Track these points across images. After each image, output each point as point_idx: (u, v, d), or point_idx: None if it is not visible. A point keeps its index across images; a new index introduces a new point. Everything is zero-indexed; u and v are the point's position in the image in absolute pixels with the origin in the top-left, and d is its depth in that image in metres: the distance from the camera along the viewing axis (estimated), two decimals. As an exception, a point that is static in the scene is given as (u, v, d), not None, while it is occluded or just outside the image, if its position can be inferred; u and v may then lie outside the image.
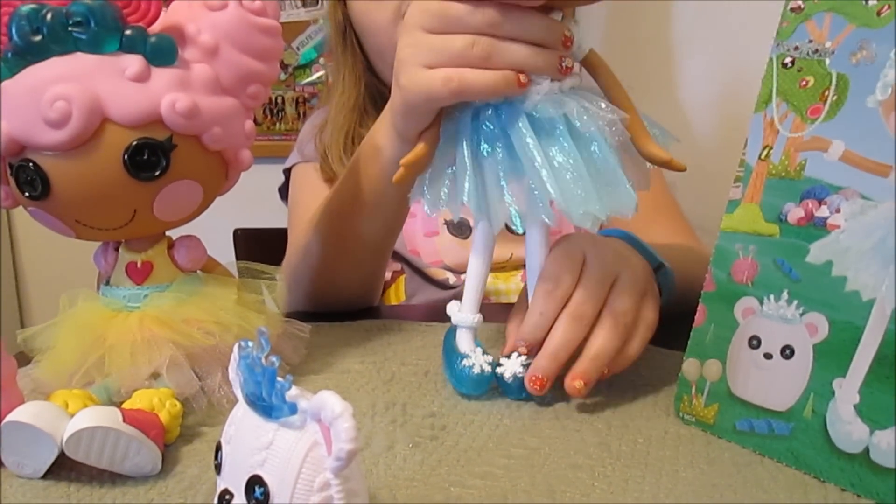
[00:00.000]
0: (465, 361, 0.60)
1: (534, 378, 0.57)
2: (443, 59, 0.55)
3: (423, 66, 0.55)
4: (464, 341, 0.62)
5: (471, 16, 0.53)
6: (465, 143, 0.57)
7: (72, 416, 0.48)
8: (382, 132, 0.70)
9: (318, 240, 0.82)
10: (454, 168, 0.57)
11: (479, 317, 0.62)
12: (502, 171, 0.55)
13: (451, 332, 0.63)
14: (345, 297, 0.84)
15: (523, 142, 0.54)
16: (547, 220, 0.53)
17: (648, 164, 0.58)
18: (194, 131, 0.54)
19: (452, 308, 0.63)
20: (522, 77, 0.54)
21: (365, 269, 0.83)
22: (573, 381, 0.57)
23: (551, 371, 0.58)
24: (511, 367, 0.59)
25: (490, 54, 0.53)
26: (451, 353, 0.62)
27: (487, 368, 0.59)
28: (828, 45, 0.49)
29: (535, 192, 0.54)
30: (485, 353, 0.61)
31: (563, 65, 0.55)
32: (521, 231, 0.57)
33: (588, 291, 0.59)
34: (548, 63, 0.54)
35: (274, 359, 0.36)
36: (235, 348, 0.39)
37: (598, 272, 0.60)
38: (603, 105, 0.55)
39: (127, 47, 0.52)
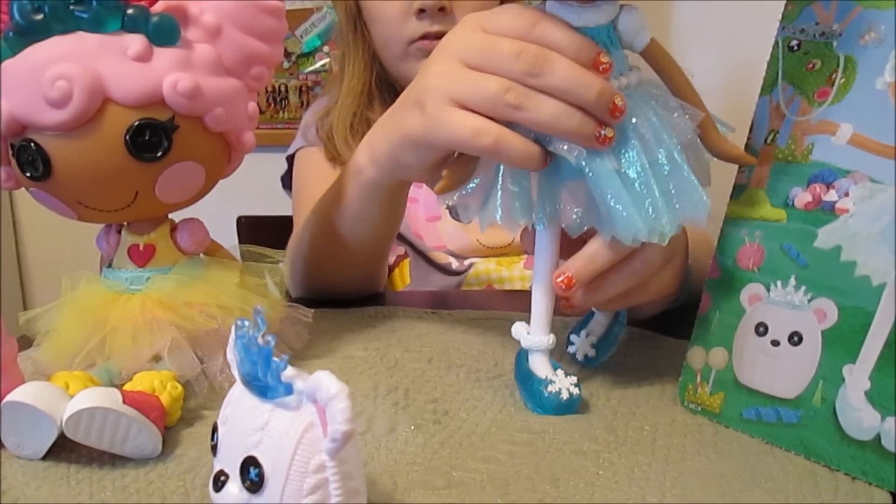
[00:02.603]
0: (550, 388, 0.54)
1: (562, 275, 0.52)
2: (474, 99, 0.50)
3: (453, 100, 0.51)
4: (540, 365, 0.55)
5: (515, 61, 0.48)
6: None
7: (72, 397, 0.47)
8: (366, 152, 0.67)
9: (308, 239, 0.80)
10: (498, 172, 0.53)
11: (552, 337, 0.55)
12: (565, 170, 0.51)
13: (523, 355, 0.57)
14: (341, 290, 0.82)
15: (593, 159, 0.49)
16: (628, 240, 0.49)
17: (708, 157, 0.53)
18: (196, 112, 0.52)
19: (520, 331, 0.56)
20: (549, 158, 0.50)
21: (357, 269, 0.81)
22: (556, 277, 0.52)
23: (582, 274, 0.52)
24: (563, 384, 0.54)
25: (521, 105, 0.48)
26: (528, 378, 0.56)
27: (575, 391, 0.54)
28: (835, 27, 0.47)
29: (602, 204, 0.49)
30: (567, 374, 0.54)
31: (602, 134, 0.48)
32: (574, 235, 0.52)
33: (657, 260, 0.55)
34: (581, 128, 0.48)
35: (270, 338, 0.34)
36: (233, 328, 0.37)
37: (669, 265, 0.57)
38: (672, 104, 0.51)
39: (129, 27, 0.50)
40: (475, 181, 0.55)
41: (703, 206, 0.49)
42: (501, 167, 0.53)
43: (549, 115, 0.48)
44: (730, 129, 0.54)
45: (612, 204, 0.48)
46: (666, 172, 0.49)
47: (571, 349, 0.62)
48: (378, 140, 0.64)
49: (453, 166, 0.56)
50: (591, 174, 0.49)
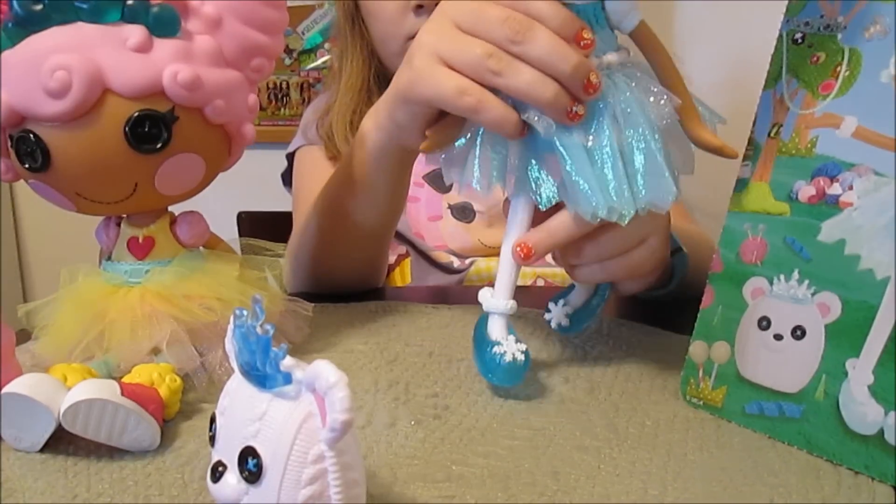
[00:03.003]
0: (496, 349, 0.53)
1: (521, 244, 0.53)
2: (459, 60, 0.51)
3: (440, 58, 0.52)
4: (496, 328, 0.55)
5: (501, 27, 0.49)
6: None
7: (70, 389, 0.46)
8: (371, 118, 0.67)
9: (315, 222, 0.79)
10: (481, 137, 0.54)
11: (512, 303, 0.55)
12: (542, 141, 0.51)
13: (483, 320, 0.57)
14: (344, 280, 0.81)
15: (562, 131, 0.50)
16: (588, 216, 0.49)
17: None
18: (196, 103, 0.51)
19: (484, 294, 0.56)
20: (525, 129, 0.51)
21: (362, 254, 0.80)
22: (515, 244, 0.54)
23: (541, 246, 0.53)
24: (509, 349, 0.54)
25: (501, 71, 0.49)
26: (481, 340, 0.56)
27: (521, 357, 0.53)
28: (840, 19, 0.46)
29: (566, 177, 0.50)
30: (518, 340, 0.54)
31: (574, 110, 0.49)
32: (543, 208, 0.53)
33: (618, 244, 0.56)
34: (554, 100, 0.49)
35: (268, 327, 0.33)
36: (231, 318, 0.36)
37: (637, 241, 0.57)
38: (653, 88, 0.51)
39: (129, 17, 0.49)
40: (461, 141, 0.55)
41: (669, 193, 0.50)
42: (480, 133, 0.53)
43: (526, 83, 0.49)
44: (721, 120, 0.54)
45: (574, 178, 0.49)
46: (636, 155, 0.50)
47: (548, 316, 0.63)
48: (379, 105, 0.65)
49: (437, 127, 0.56)
50: (560, 146, 0.50)
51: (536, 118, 0.50)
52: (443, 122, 0.56)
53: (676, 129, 0.52)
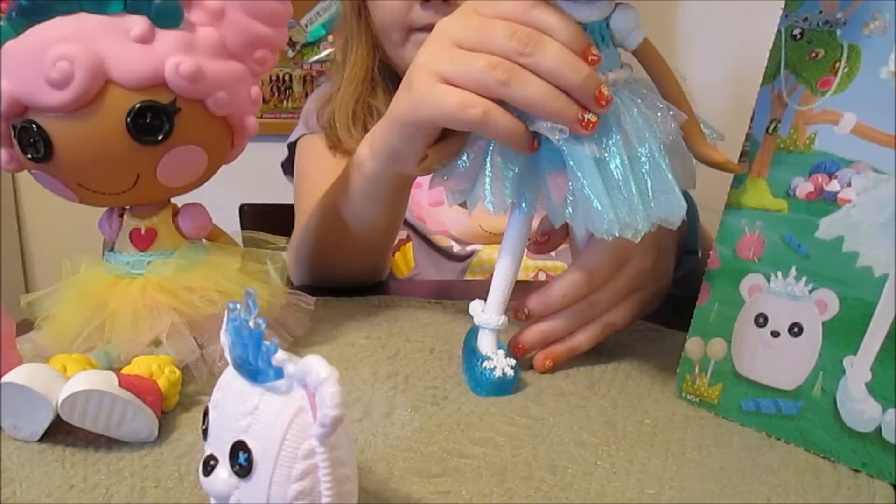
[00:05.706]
0: (486, 364, 0.52)
1: (520, 346, 0.56)
2: (462, 74, 0.48)
3: (440, 77, 0.49)
4: (486, 343, 0.54)
5: (508, 40, 0.47)
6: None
7: (68, 379, 0.44)
8: (367, 144, 0.64)
9: (313, 227, 0.77)
10: (489, 151, 0.52)
11: (503, 318, 0.54)
12: (546, 160, 0.49)
13: (473, 332, 0.56)
14: (343, 280, 0.78)
15: (574, 148, 0.48)
16: (600, 233, 0.47)
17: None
18: (199, 95, 0.49)
19: (475, 308, 0.55)
20: (536, 143, 0.49)
21: (360, 261, 0.78)
22: (545, 360, 0.56)
23: (536, 346, 0.57)
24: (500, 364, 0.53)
25: (508, 81, 0.47)
26: (470, 354, 0.55)
27: (510, 372, 0.52)
28: (839, 15, 0.44)
29: (579, 194, 0.48)
30: (508, 355, 0.53)
31: (586, 118, 0.47)
32: (556, 225, 0.51)
33: (610, 297, 0.56)
34: (564, 110, 0.46)
35: (261, 321, 0.31)
36: (225, 311, 0.34)
37: (629, 284, 0.57)
38: (659, 105, 0.49)
39: (132, 8, 0.47)
40: (463, 162, 0.53)
41: (679, 208, 0.47)
42: (490, 151, 0.51)
43: (536, 93, 0.47)
44: (719, 136, 0.52)
45: (587, 194, 0.47)
46: (645, 170, 0.48)
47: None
48: (376, 130, 0.62)
49: (437, 146, 0.54)
50: (570, 161, 0.48)
51: (548, 126, 0.47)
52: (443, 142, 0.54)
53: (679, 144, 0.50)
